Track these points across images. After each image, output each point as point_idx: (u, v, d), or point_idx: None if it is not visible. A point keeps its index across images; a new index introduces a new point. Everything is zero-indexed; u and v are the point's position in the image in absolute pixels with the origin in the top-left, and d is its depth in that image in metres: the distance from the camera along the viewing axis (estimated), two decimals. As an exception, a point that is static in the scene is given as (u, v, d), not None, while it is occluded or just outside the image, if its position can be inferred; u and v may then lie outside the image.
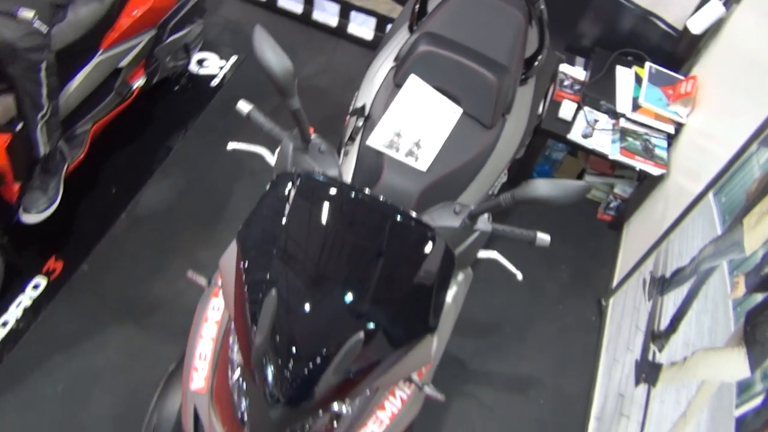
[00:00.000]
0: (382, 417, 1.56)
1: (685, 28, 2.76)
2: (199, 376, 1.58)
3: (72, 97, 2.38)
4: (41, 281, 2.49)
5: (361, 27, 3.47)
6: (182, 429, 1.64)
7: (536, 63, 2.28)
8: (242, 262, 1.39)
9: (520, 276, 1.62)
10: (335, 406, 1.46)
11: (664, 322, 2.16)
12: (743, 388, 1.55)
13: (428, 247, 1.34)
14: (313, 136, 1.59)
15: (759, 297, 1.65)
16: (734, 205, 1.97)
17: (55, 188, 2.33)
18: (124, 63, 2.55)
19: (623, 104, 2.76)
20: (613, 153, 2.69)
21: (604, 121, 2.77)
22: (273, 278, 1.34)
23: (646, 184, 2.79)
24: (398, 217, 1.39)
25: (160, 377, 1.76)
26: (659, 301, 2.26)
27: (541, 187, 1.38)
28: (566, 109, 2.78)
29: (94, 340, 2.39)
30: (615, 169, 2.97)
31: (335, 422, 1.50)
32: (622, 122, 2.74)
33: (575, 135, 2.74)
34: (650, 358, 2.16)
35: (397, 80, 2.16)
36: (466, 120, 2.12)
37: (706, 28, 2.71)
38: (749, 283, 1.72)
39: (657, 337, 2.17)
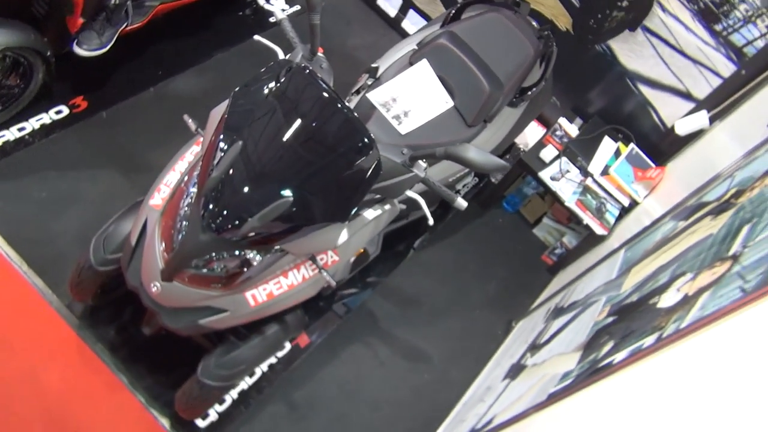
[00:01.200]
0: (283, 282, 1.91)
1: (673, 127, 3.12)
2: (159, 195, 1.94)
3: (152, -27, 2.79)
4: (64, 110, 2.87)
5: (413, 26, 3.87)
6: (128, 238, 2.00)
7: (529, 93, 2.66)
8: (226, 115, 1.76)
9: (431, 221, 1.95)
10: (248, 252, 1.81)
11: (544, 338, 2.50)
12: (564, 376, 1.89)
13: (364, 154, 1.70)
14: (320, 53, 1.97)
15: (610, 319, 1.99)
16: (633, 258, 2.33)
17: (108, 37, 2.72)
18: (205, -35, 2.96)
19: (595, 167, 3.12)
20: (570, 201, 3.05)
21: (574, 174, 3.13)
22: (242, 134, 1.71)
23: (587, 240, 3.14)
24: (355, 126, 1.74)
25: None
26: (550, 324, 2.60)
27: (471, 151, 1.73)
28: (548, 153, 3.15)
29: (87, 172, 2.76)
30: (570, 221, 3.32)
31: (245, 269, 1.86)
32: (589, 181, 3.10)
33: (545, 175, 3.10)
34: (522, 362, 2.49)
35: (412, 59, 2.54)
36: (453, 112, 2.49)
37: (688, 133, 3.07)
38: (611, 310, 2.06)
39: (535, 347, 2.50)
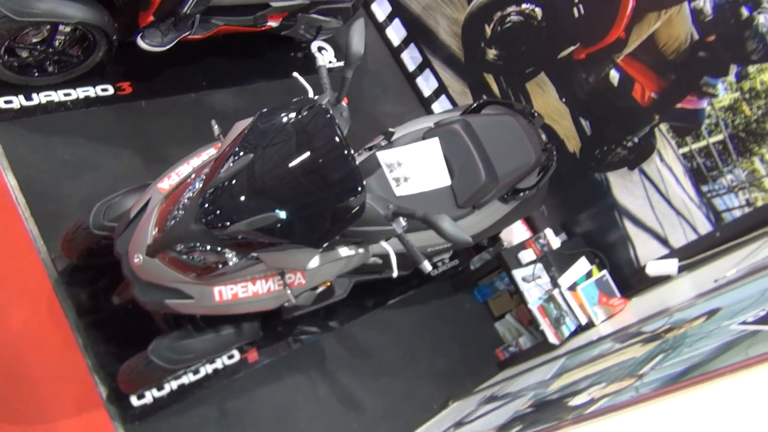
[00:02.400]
0: (249, 287, 2.11)
1: (645, 266, 3.34)
2: (168, 181, 2.17)
3: (226, -1, 3.11)
4: (110, 89, 3.14)
5: (425, 83, 4.22)
6: (129, 210, 2.21)
7: (521, 194, 2.89)
8: (247, 130, 2.00)
9: (395, 274, 2.15)
10: (228, 251, 2.01)
11: (470, 418, 2.64)
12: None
13: (352, 196, 1.91)
14: (344, 103, 2.23)
15: (529, 410, 2.15)
16: (569, 366, 2.50)
17: (170, 39, 3.01)
18: (274, 4, 3.27)
19: (566, 281, 3.33)
20: (533, 304, 3.24)
21: (545, 281, 3.34)
22: (256, 150, 1.95)
23: (539, 345, 3.31)
24: (353, 171, 1.96)
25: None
26: (481, 408, 2.75)
27: (446, 221, 1.95)
28: (526, 255, 3.37)
29: (111, 149, 3.00)
30: (530, 324, 3.50)
31: (220, 266, 2.05)
32: (556, 291, 3.29)
33: (518, 274, 3.31)
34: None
35: (425, 135, 2.80)
36: (448, 191, 2.73)
37: (657, 275, 3.28)
38: (532, 403, 2.23)
39: (459, 424, 2.64)
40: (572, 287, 3.33)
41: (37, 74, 2.86)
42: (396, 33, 4.34)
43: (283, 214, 1.86)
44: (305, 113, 2.02)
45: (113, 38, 2.83)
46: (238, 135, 2.03)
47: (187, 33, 3.06)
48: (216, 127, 2.22)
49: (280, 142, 1.98)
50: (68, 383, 2.49)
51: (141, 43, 2.94)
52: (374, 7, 4.38)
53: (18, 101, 2.85)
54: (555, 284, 3.34)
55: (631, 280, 3.47)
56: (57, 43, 2.75)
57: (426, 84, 4.25)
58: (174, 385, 2.66)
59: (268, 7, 3.29)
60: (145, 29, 2.94)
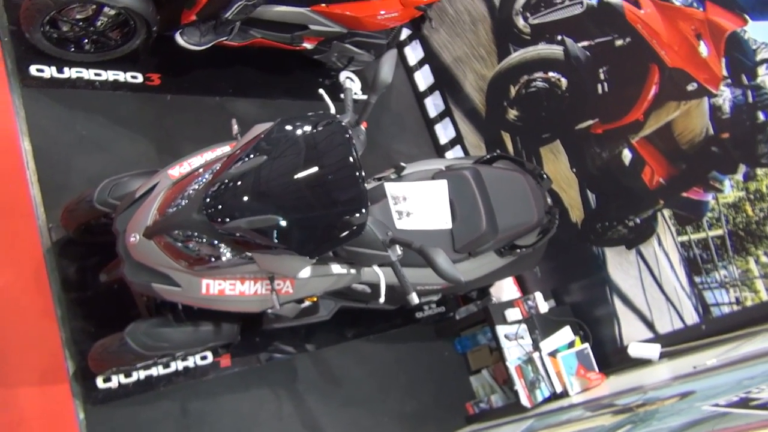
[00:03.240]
0: (237, 286, 2.12)
1: (627, 347, 3.34)
2: (178, 169, 2.21)
3: (269, 13, 3.18)
4: (139, 77, 3.21)
5: (443, 131, 4.31)
6: (135, 191, 2.24)
7: (518, 250, 2.92)
8: (265, 133, 2.05)
9: (382, 300, 2.16)
10: (223, 247, 2.03)
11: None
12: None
13: (354, 214, 1.95)
14: (363, 126, 2.28)
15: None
16: (536, 427, 2.49)
17: (207, 41, 3.09)
18: (312, 27, 3.37)
19: (547, 346, 3.33)
20: (511, 363, 3.24)
21: (526, 343, 3.33)
22: (269, 154, 1.99)
23: (511, 406, 3.29)
24: (360, 192, 1.99)
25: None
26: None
27: (441, 256, 1.98)
28: (513, 314, 3.38)
29: (129, 134, 3.05)
30: (505, 383, 3.48)
31: (213, 259, 2.07)
32: (536, 355, 3.29)
33: (501, 331, 3.31)
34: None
35: (435, 176, 2.85)
36: (447, 234, 2.76)
37: (638, 357, 3.28)
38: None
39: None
40: (553, 353, 3.33)
41: (73, 50, 2.93)
42: (424, 78, 4.45)
43: (283, 220, 1.89)
44: (324, 127, 2.07)
45: (153, 29, 2.91)
46: (255, 137, 2.07)
47: (224, 38, 3.14)
48: (236, 126, 2.27)
49: (295, 151, 2.02)
50: (38, 352, 2.48)
51: (179, 40, 3.02)
52: (407, 50, 4.50)
53: (50, 72, 2.92)
54: (536, 347, 3.33)
55: (611, 357, 3.47)
56: (99, 23, 2.83)
57: (444, 132, 4.34)
58: (142, 374, 2.65)
59: (307, 29, 3.39)
60: (186, 27, 3.02)
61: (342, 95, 2.31)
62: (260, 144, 2.03)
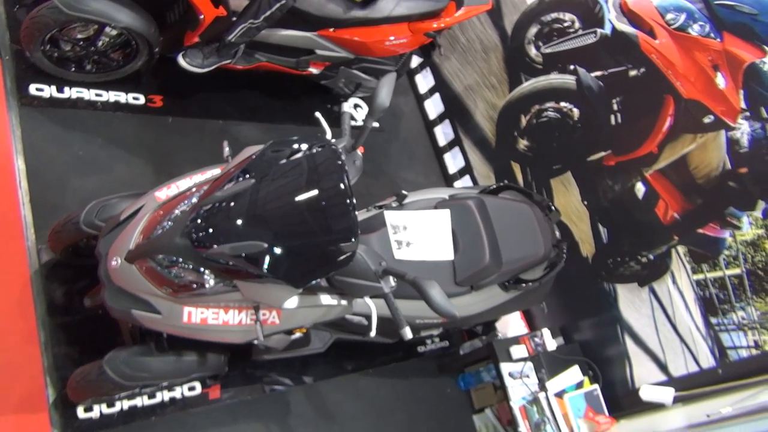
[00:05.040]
0: (220, 315, 2.02)
1: (638, 389, 3.18)
2: (165, 191, 2.13)
3: (274, 37, 3.13)
4: (141, 99, 3.17)
5: (452, 160, 4.23)
6: (120, 213, 2.16)
7: (523, 285, 2.79)
8: (256, 155, 1.97)
9: (373, 333, 2.04)
10: (206, 274, 1.94)
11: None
12: None
13: (344, 242, 1.84)
14: (359, 151, 2.20)
15: None
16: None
17: (210, 63, 3.04)
18: (319, 51, 3.31)
19: (554, 386, 3.17)
20: (515, 403, 3.08)
21: (532, 382, 3.18)
22: (259, 177, 1.91)
23: (514, 449, 3.13)
24: (350, 221, 1.89)
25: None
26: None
27: (435, 289, 1.88)
28: (518, 351, 3.23)
29: (126, 156, 2.99)
30: (509, 424, 3.32)
31: (195, 286, 1.97)
32: (542, 395, 3.13)
33: (506, 368, 3.16)
34: None
35: (438, 205, 2.75)
36: (448, 266, 2.65)
37: (650, 401, 3.11)
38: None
39: None
40: (560, 394, 3.17)
41: (74, 69, 2.90)
42: (434, 107, 4.38)
43: (269, 247, 1.80)
44: (317, 151, 1.98)
45: (155, 50, 2.87)
46: (245, 159, 1.99)
47: (228, 61, 3.09)
48: (227, 149, 2.20)
49: (285, 175, 1.94)
50: (18, 377, 2.39)
51: (181, 61, 2.97)
52: (418, 78, 4.44)
53: (49, 91, 2.88)
54: (542, 387, 3.18)
55: (622, 400, 3.30)
56: (100, 43, 2.79)
57: (453, 161, 4.24)
58: (126, 405, 2.54)
59: (313, 53, 3.33)
60: (188, 49, 2.98)
61: (341, 115, 2.22)
62: (249, 167, 1.95)
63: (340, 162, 1.96)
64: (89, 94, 3.00)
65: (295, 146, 1.98)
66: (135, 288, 1.98)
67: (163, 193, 2.13)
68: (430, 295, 1.87)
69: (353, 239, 1.85)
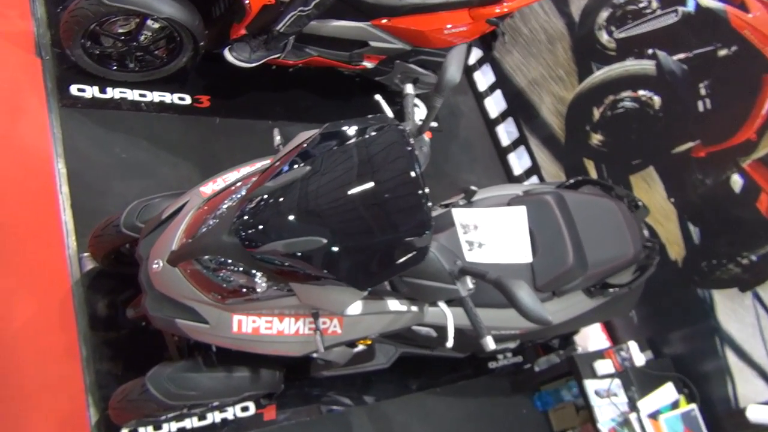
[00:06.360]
0: (275, 324, 1.76)
1: (744, 409, 2.78)
2: (211, 186, 1.91)
3: (325, 28, 2.92)
4: (187, 99, 2.99)
5: (517, 160, 3.93)
6: (162, 211, 1.95)
7: (611, 290, 2.46)
8: (309, 141, 1.73)
9: (450, 344, 1.76)
10: (258, 277, 1.69)
11: None
12: None
13: (416, 236, 1.57)
14: (425, 136, 1.93)
15: None
16: None
17: (258, 57, 2.84)
18: (373, 43, 3.08)
19: (646, 406, 2.80)
20: (603, 425, 2.74)
21: (621, 401, 2.82)
22: (314, 165, 1.66)
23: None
24: (423, 212, 1.62)
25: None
26: None
27: (523, 289, 1.57)
28: (603, 366, 2.88)
29: (171, 158, 2.81)
30: (596, 449, 2.97)
31: (245, 290, 1.73)
32: (633, 416, 2.77)
33: (591, 386, 2.82)
34: None
35: (511, 202, 2.45)
36: (526, 269, 2.34)
37: (760, 423, 2.72)
38: None
39: None
40: (654, 415, 2.80)
41: (116, 68, 2.74)
42: (495, 105, 4.09)
43: (329, 243, 1.54)
44: (381, 135, 1.72)
45: (200, 44, 2.69)
46: (298, 145, 1.75)
47: (276, 55, 2.88)
48: (278, 136, 1.97)
49: (345, 162, 1.68)
50: (57, 396, 2.19)
51: (228, 55, 2.78)
52: (477, 75, 4.16)
53: (91, 91, 2.73)
54: (633, 407, 2.82)
55: (725, 421, 2.90)
56: (142, 38, 2.62)
57: (518, 161, 3.94)
58: (173, 427, 2.31)
59: (367, 45, 3.10)
60: (235, 42, 2.79)
61: (404, 98, 1.96)
62: (303, 153, 1.70)
63: (408, 147, 1.70)
64: (133, 95, 2.83)
65: (356, 128, 1.73)
66: (179, 294, 1.75)
67: (209, 187, 1.90)
68: (518, 297, 1.57)
69: (426, 232, 1.58)
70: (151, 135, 2.79)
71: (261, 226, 1.58)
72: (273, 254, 1.58)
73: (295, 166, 1.67)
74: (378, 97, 1.98)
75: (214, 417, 2.39)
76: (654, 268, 2.58)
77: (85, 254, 2.38)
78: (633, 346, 3.06)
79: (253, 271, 1.70)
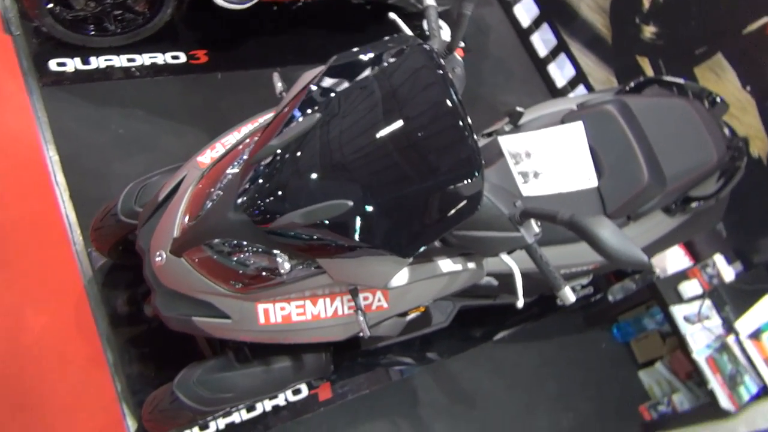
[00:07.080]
0: (308, 308, 1.48)
1: None
2: (209, 153, 1.60)
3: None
4: (182, 57, 2.67)
5: (559, 71, 3.51)
6: (158, 192, 1.66)
7: (694, 204, 2.10)
8: (317, 77, 1.39)
9: (520, 304, 1.45)
10: (279, 256, 1.38)
11: None
12: None
13: (465, 180, 1.24)
14: (457, 54, 1.57)
15: None
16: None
17: (250, -2, 2.48)
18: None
19: (745, 325, 2.46)
20: (698, 354, 2.42)
21: (715, 324, 2.50)
22: (326, 109, 1.33)
23: (704, 409, 2.48)
24: (469, 147, 1.28)
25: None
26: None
27: (606, 228, 1.23)
28: (689, 288, 2.55)
29: (174, 125, 2.52)
30: (690, 378, 2.66)
31: (265, 273, 1.43)
32: (731, 339, 2.44)
33: (679, 312, 2.50)
34: None
35: (565, 119, 2.09)
36: (593, 194, 2.00)
37: None
38: None
39: None
40: (755, 335, 2.46)
41: (94, 33, 2.42)
42: (526, 12, 3.64)
43: (356, 204, 1.22)
44: (404, 60, 1.38)
45: (183, -10, 2.34)
46: (304, 88, 1.42)
47: (271, -10, 2.52)
48: (279, 84, 1.64)
49: (364, 100, 1.34)
50: (89, 410, 1.97)
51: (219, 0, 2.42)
52: (501, -20, 3.70)
53: (73, 64, 2.43)
54: (730, 329, 2.48)
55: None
56: (116, -7, 2.29)
57: (560, 72, 3.51)
58: (221, 423, 2.09)
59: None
60: (223, -17, 2.43)
61: (424, 10, 1.61)
62: (312, 96, 1.37)
63: (440, 70, 1.35)
64: (120, 61, 2.52)
65: (372, 55, 1.39)
66: (190, 288, 1.48)
67: (207, 156, 1.60)
68: (601, 238, 1.23)
69: (477, 174, 1.25)
70: (148, 103, 2.49)
71: (270, 195, 1.27)
72: (291, 227, 1.27)
73: (301, 116, 1.34)
74: (393, 15, 1.63)
75: (264, 406, 2.16)
76: (742, 171, 2.20)
77: (93, 248, 2.13)
78: (719, 259, 2.70)
79: (275, 251, 1.40)
